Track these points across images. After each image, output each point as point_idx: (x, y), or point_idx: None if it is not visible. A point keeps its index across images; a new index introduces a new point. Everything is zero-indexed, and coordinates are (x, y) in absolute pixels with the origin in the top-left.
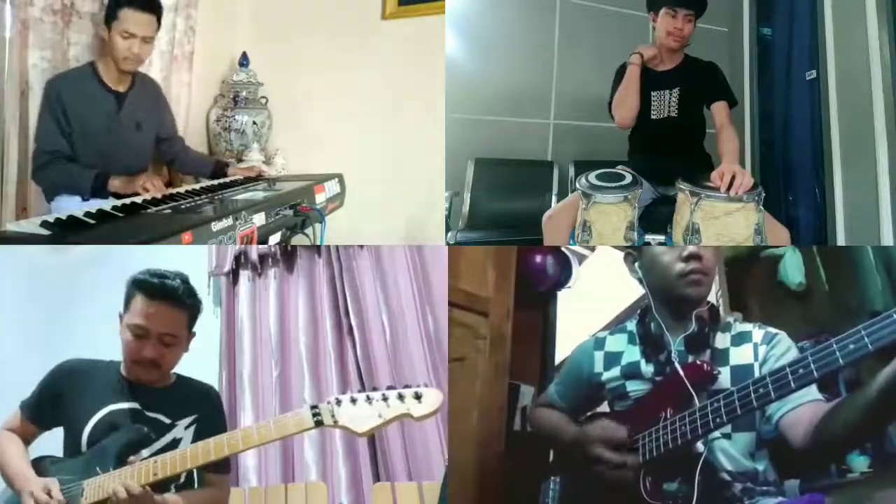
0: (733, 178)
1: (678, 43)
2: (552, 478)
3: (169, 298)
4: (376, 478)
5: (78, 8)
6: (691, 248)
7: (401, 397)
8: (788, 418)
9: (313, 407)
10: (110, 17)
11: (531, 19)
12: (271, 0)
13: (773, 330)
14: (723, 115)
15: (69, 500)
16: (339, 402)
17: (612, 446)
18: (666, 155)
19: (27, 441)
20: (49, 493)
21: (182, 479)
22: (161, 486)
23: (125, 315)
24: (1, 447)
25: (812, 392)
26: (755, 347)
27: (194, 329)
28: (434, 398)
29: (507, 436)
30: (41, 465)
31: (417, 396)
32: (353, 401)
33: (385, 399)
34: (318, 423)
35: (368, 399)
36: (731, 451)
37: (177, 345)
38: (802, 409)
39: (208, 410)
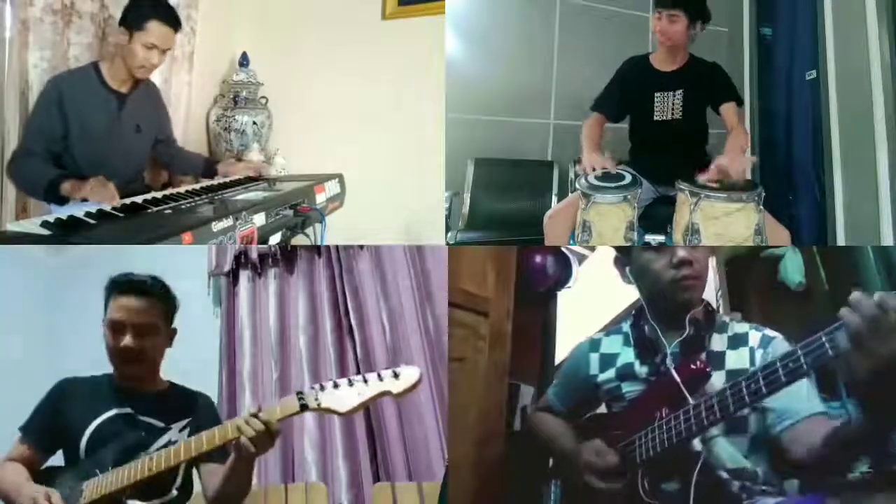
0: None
1: (663, 44)
2: (553, 480)
3: (137, 290)
4: (376, 478)
5: (78, 8)
6: (681, 254)
7: (380, 377)
8: (790, 434)
9: (299, 393)
10: (135, 26)
11: (531, 19)
12: (271, 0)
13: (770, 333)
14: (732, 116)
15: (68, 501)
16: (322, 387)
17: (603, 477)
18: (668, 156)
19: (32, 469)
20: (49, 500)
21: (179, 481)
22: (160, 486)
23: (106, 315)
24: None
25: (814, 403)
26: (751, 352)
27: (174, 325)
28: (411, 374)
29: (507, 436)
30: (40, 476)
31: (395, 375)
32: (336, 385)
33: (365, 381)
34: (304, 408)
35: (350, 382)
36: (730, 450)
37: (154, 335)
38: (805, 427)
39: (202, 415)
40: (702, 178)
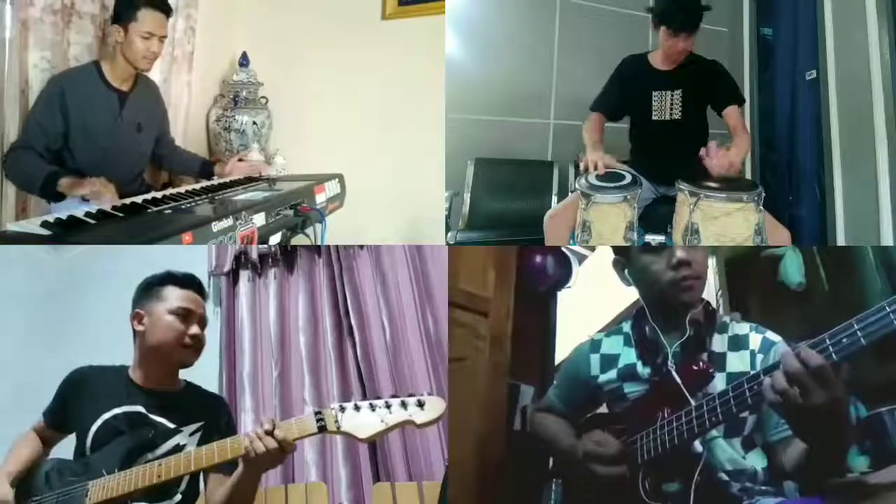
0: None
1: (675, 61)
2: (554, 480)
3: (195, 286)
4: (376, 478)
5: (78, 8)
6: (680, 255)
7: (404, 405)
8: (783, 445)
9: (317, 412)
10: (127, 18)
11: (531, 19)
12: (271, 0)
13: (770, 336)
14: (736, 119)
15: (72, 500)
16: (343, 409)
17: (604, 462)
18: (668, 155)
19: (47, 443)
20: None
21: (184, 485)
22: (164, 490)
23: (157, 305)
24: (15, 445)
25: None
26: (752, 356)
27: None
28: (437, 405)
29: (508, 436)
30: (44, 466)
31: (420, 404)
32: (357, 408)
33: (388, 406)
34: (322, 429)
35: (372, 406)
36: (728, 451)
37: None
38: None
39: (215, 419)
40: (706, 163)
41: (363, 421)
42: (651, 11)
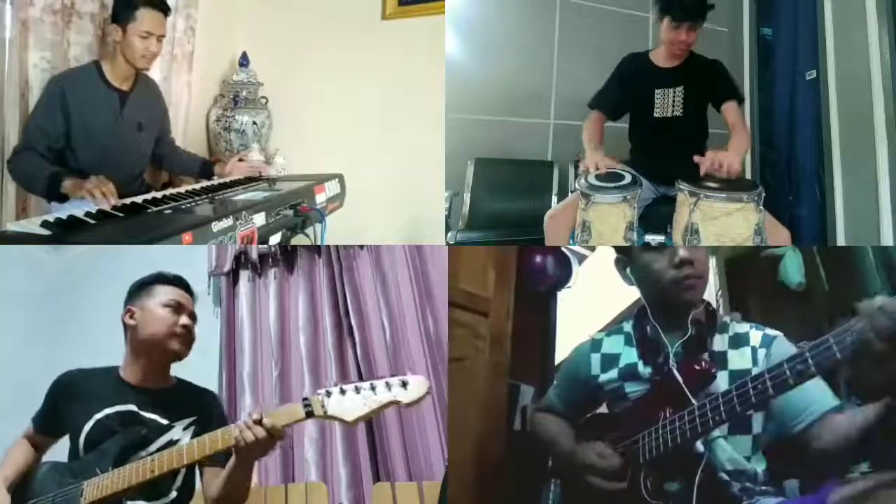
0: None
1: (682, 53)
2: (553, 479)
3: (184, 286)
4: (376, 478)
5: (78, 8)
6: (682, 254)
7: (388, 386)
8: (811, 433)
9: (304, 399)
10: (125, 17)
11: (531, 19)
12: (271, 0)
13: (771, 332)
14: (734, 115)
15: (68, 502)
16: (329, 393)
17: (606, 478)
18: (668, 155)
19: (39, 449)
20: None
21: (180, 482)
22: (160, 487)
23: (149, 300)
24: (9, 451)
25: (828, 399)
26: (753, 351)
27: None
28: (420, 385)
29: (507, 436)
30: (39, 469)
31: (404, 384)
32: (343, 392)
33: (373, 388)
34: (309, 415)
35: (357, 389)
36: (729, 451)
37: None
38: (825, 424)
39: (207, 413)
40: (699, 163)
41: (349, 404)
42: (655, 3)
